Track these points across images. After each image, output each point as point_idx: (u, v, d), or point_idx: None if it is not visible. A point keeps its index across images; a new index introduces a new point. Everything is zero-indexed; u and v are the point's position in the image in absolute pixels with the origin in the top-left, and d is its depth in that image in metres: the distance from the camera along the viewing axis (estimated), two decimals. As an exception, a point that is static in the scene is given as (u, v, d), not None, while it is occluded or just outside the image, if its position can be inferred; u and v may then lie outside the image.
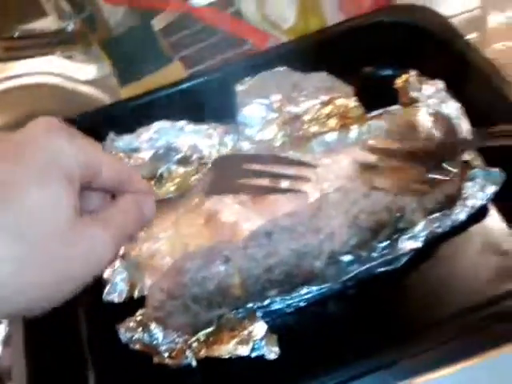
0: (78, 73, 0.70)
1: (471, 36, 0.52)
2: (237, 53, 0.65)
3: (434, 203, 0.42)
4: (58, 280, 0.26)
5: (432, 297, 0.42)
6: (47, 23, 0.70)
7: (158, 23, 0.70)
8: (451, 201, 0.43)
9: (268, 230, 0.40)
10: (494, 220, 0.45)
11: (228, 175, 0.46)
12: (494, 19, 0.53)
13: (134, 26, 0.71)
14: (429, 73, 0.51)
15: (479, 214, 0.45)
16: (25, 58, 0.69)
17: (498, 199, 0.44)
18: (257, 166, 0.46)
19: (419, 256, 0.43)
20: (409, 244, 0.43)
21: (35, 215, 0.25)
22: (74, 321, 0.47)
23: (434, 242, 0.44)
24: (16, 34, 0.69)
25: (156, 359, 0.41)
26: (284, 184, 0.47)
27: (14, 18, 0.73)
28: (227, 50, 0.66)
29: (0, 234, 0.24)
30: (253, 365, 0.40)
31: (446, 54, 0.52)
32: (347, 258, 0.42)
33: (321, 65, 0.53)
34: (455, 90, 0.49)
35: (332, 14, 0.61)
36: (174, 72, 0.62)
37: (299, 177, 0.46)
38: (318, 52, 0.56)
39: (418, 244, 0.42)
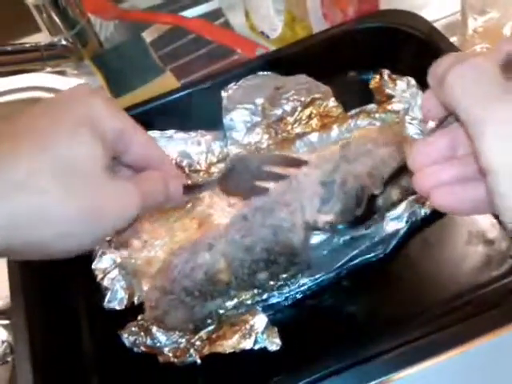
0: (70, 87, 0.72)
1: (452, 39, 0.56)
2: (226, 62, 0.67)
3: (409, 183, 0.45)
4: (93, 217, 0.29)
5: (421, 286, 0.45)
6: (39, 38, 0.72)
7: (148, 36, 0.73)
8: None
9: (244, 213, 0.43)
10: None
11: (244, 174, 0.47)
12: (474, 23, 0.57)
13: (125, 40, 0.73)
14: (410, 73, 0.54)
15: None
16: (16, 73, 0.71)
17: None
18: (273, 168, 0.48)
19: (408, 244, 0.47)
20: (393, 225, 0.46)
21: (74, 161, 0.29)
22: (78, 329, 0.49)
23: (420, 229, 0.47)
24: (8, 49, 0.71)
25: (161, 358, 0.44)
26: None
27: (6, 33, 0.74)
28: (217, 60, 0.68)
29: (44, 176, 0.28)
30: (254, 358, 0.43)
31: (430, 55, 0.54)
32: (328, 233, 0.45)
33: (307, 70, 0.56)
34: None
35: (317, 23, 0.64)
36: (166, 83, 0.65)
37: None
38: (304, 58, 0.59)
39: (401, 224, 0.46)
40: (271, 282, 0.45)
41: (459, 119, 0.26)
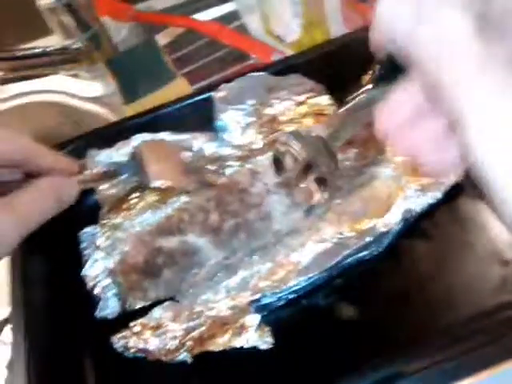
0: (83, 91, 0.74)
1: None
2: (241, 67, 0.68)
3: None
4: None
5: (422, 295, 0.45)
6: (52, 41, 0.74)
7: (162, 39, 0.75)
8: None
9: None
10: (496, 229, 0.48)
11: None
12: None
13: (139, 43, 0.75)
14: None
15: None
16: (29, 78, 0.73)
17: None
18: None
19: (406, 245, 0.48)
20: (388, 224, 0.47)
21: None
22: (72, 342, 0.50)
23: (420, 229, 0.48)
24: (20, 54, 0.73)
25: (150, 357, 0.45)
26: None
27: (16, 36, 0.77)
28: (231, 64, 0.69)
29: None
30: (246, 358, 0.44)
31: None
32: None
33: (325, 76, 0.58)
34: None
35: (336, 28, 0.65)
36: (178, 88, 0.66)
37: None
38: (322, 63, 0.59)
39: (394, 222, 0.47)
40: (268, 292, 0.46)
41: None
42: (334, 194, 0.50)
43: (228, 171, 0.55)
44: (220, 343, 0.44)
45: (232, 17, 0.76)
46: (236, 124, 0.57)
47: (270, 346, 0.43)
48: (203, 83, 0.69)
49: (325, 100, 0.57)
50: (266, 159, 0.53)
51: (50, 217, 0.34)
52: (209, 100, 0.58)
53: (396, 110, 0.28)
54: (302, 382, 0.43)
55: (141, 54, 0.72)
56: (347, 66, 0.58)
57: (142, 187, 0.55)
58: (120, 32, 0.77)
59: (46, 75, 0.74)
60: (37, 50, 0.73)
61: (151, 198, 0.55)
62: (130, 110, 0.68)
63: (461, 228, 0.49)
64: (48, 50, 0.71)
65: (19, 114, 0.77)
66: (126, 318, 0.47)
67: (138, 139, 0.55)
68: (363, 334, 0.44)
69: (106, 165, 0.54)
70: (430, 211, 0.49)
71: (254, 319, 0.45)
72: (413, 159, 0.29)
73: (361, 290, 0.47)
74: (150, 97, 0.67)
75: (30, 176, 0.35)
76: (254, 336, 0.44)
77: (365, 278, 0.47)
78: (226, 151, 0.57)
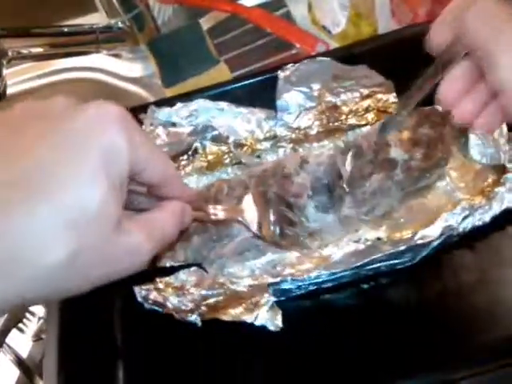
0: (124, 70, 0.75)
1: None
2: (284, 56, 0.67)
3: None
4: (93, 274, 0.29)
5: (461, 307, 0.44)
6: (95, 19, 0.75)
7: (206, 23, 0.75)
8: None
9: None
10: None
11: None
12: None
13: (182, 26, 0.74)
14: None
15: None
16: (71, 55, 0.74)
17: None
18: None
19: (445, 257, 0.46)
20: (425, 237, 0.46)
21: (83, 214, 0.26)
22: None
23: (460, 246, 0.47)
24: (64, 31, 0.73)
25: (164, 311, 0.46)
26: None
27: (62, 12, 0.77)
28: (274, 53, 0.69)
29: (55, 223, 0.26)
30: (253, 337, 0.44)
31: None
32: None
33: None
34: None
35: (384, 22, 0.63)
36: (219, 74, 0.66)
37: None
38: (368, 59, 0.58)
39: (434, 235, 0.46)
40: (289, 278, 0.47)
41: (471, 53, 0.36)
42: (382, 197, 0.49)
43: (280, 152, 0.55)
44: (231, 314, 0.44)
45: (277, 4, 0.75)
46: (296, 106, 0.57)
47: (278, 330, 0.43)
48: (243, 71, 0.69)
49: (391, 97, 0.56)
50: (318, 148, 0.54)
51: (171, 241, 0.34)
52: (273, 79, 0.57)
53: (453, 83, 0.38)
54: (302, 373, 0.43)
55: (184, 38, 0.72)
56: (395, 62, 0.57)
57: (192, 153, 0.56)
58: (164, 14, 0.77)
59: (88, 53, 0.75)
60: (80, 28, 0.73)
61: (199, 163, 0.56)
62: (170, 93, 0.68)
63: (508, 243, 0.47)
64: (92, 28, 0.72)
65: (60, 90, 0.78)
66: (154, 274, 0.48)
67: (198, 103, 0.55)
68: (378, 340, 0.43)
69: (163, 123, 0.55)
70: (474, 233, 0.47)
71: (268, 299, 0.45)
72: (465, 121, 0.38)
73: (388, 296, 0.46)
74: (190, 81, 0.67)
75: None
76: (266, 315, 0.44)
77: (396, 285, 0.46)
78: (282, 131, 0.57)
